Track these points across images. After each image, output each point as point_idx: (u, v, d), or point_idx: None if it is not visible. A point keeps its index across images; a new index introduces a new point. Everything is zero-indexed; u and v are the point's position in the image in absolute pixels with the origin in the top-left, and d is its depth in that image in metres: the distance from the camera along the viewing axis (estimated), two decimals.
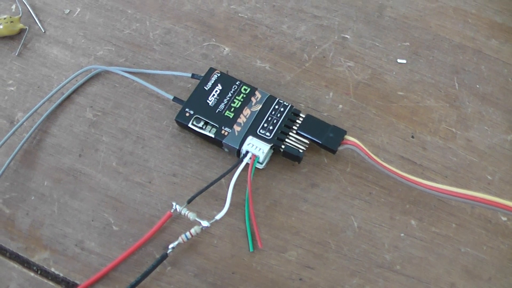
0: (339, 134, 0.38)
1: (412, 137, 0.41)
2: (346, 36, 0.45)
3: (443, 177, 0.39)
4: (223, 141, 0.38)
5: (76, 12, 0.45)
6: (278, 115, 0.39)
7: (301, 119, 0.39)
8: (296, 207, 0.38)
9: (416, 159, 0.40)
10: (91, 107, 0.41)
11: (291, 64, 0.43)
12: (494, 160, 0.40)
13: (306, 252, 0.36)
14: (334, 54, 0.44)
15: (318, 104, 0.42)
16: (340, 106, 0.42)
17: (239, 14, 0.45)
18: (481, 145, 0.41)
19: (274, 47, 0.44)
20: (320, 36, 0.44)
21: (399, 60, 0.44)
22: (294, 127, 0.38)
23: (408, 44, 0.45)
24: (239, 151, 0.38)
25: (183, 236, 0.35)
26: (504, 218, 0.38)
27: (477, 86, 0.43)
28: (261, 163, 0.38)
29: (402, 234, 0.37)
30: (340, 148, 0.38)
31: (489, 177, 0.39)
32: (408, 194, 0.39)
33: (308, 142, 0.38)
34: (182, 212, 0.35)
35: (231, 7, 0.45)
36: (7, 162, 0.37)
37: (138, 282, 0.34)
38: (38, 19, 0.43)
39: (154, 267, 0.34)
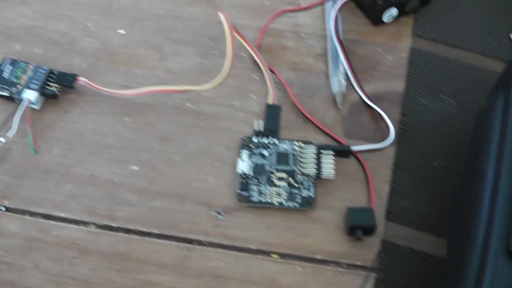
0: (72, 76, 0.67)
1: (127, 72, 0.70)
2: (88, 24, 0.74)
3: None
4: (12, 96, 0.67)
5: None
6: (42, 75, 0.68)
7: (55, 75, 0.68)
8: (57, 125, 0.66)
9: (131, 84, 0.69)
10: None
11: (55, 47, 0.72)
12: (186, 75, 0.69)
13: (64, 149, 0.65)
14: (80, 36, 0.73)
15: (66, 68, 0.70)
16: (83, 64, 0.71)
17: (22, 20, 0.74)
18: (176, 68, 0.70)
19: (46, 40, 0.73)
20: (71, 28, 0.74)
21: (119, 31, 0.73)
22: (51, 79, 0.67)
23: (127, 22, 0.74)
24: (21, 100, 0.67)
25: None
26: (189, 105, 0.67)
27: (174, 36, 0.73)
28: (35, 104, 0.67)
29: (119, 126, 0.66)
30: (75, 84, 0.67)
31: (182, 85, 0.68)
32: (123, 104, 0.67)
33: (60, 87, 0.67)
34: None
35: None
36: None
37: None
38: None
39: None
